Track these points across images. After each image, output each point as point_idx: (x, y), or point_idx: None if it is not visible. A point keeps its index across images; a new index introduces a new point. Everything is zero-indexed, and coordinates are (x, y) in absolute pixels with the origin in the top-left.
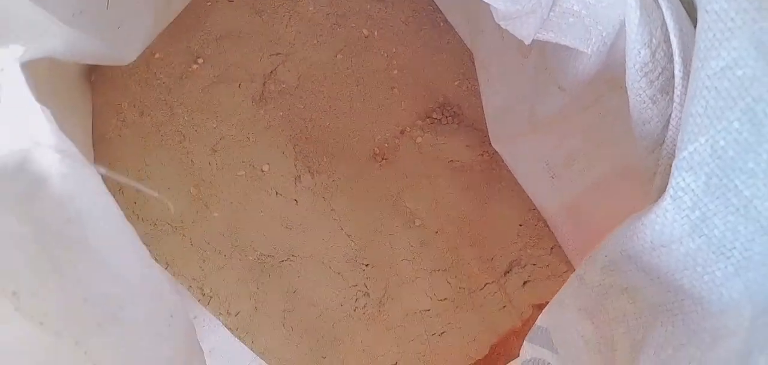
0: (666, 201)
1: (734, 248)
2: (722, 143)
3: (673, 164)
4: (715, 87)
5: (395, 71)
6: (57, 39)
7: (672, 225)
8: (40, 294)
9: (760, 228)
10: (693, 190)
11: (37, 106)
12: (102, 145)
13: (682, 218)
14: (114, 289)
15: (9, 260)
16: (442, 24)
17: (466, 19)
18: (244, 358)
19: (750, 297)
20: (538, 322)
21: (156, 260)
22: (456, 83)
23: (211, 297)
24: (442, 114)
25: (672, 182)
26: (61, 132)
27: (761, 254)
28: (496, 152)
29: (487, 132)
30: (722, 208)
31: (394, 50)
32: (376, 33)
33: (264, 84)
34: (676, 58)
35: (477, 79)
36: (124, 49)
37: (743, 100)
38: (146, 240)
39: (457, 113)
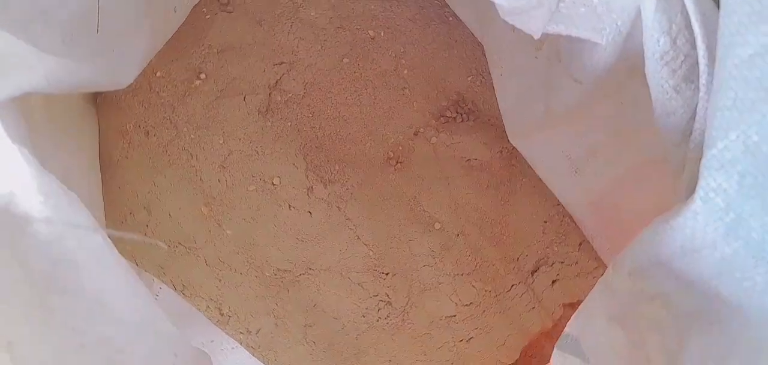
0: (696, 204)
1: None
2: (755, 138)
3: (701, 163)
4: (744, 77)
5: (405, 71)
6: (39, 73)
7: (704, 229)
8: (35, 343)
9: None
10: (725, 190)
11: (15, 148)
12: (109, 169)
13: (715, 221)
14: (112, 332)
15: (2, 309)
16: (450, 19)
17: (474, 13)
18: None
19: None
20: (566, 330)
21: (171, 282)
22: (469, 79)
23: (230, 317)
24: (457, 112)
25: (701, 182)
26: (44, 171)
27: None
28: (515, 148)
29: (504, 128)
30: (759, 209)
31: (402, 50)
32: (382, 33)
33: (269, 95)
34: (699, 44)
35: (490, 74)
36: (119, 73)
37: None
38: (160, 262)
39: (471, 110)
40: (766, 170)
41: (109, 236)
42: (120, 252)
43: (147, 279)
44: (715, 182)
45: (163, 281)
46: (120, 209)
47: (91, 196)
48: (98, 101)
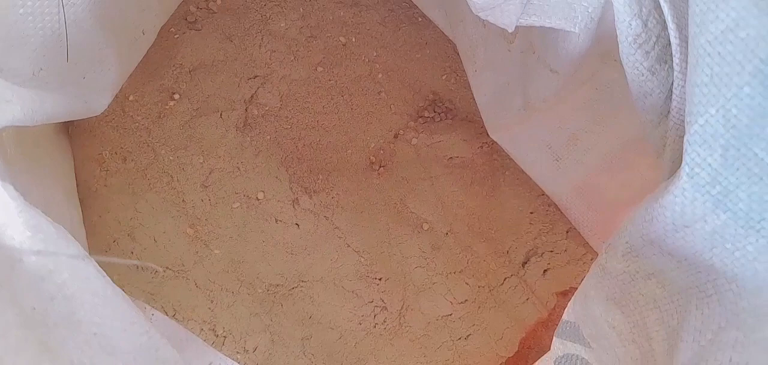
0: (682, 180)
1: (763, 219)
2: (734, 111)
3: (684, 140)
4: (718, 52)
5: (379, 75)
6: (15, 106)
7: (693, 204)
8: None
9: None
10: (709, 164)
11: None
12: (89, 199)
13: (703, 195)
14: (111, 362)
15: None
16: (420, 20)
17: (444, 12)
18: None
19: None
20: (564, 316)
21: (162, 308)
22: (443, 77)
23: (225, 337)
24: (435, 111)
25: (686, 158)
26: (29, 205)
27: None
28: (495, 142)
29: (483, 123)
30: (745, 179)
31: (375, 54)
32: (353, 39)
33: (246, 110)
34: (670, 24)
35: (464, 70)
36: (92, 99)
37: (751, 62)
38: (149, 289)
39: (449, 108)
40: (748, 141)
41: (99, 264)
42: (114, 263)
43: (139, 306)
44: (699, 157)
45: (153, 307)
46: (103, 238)
47: (72, 228)
48: (70, 130)
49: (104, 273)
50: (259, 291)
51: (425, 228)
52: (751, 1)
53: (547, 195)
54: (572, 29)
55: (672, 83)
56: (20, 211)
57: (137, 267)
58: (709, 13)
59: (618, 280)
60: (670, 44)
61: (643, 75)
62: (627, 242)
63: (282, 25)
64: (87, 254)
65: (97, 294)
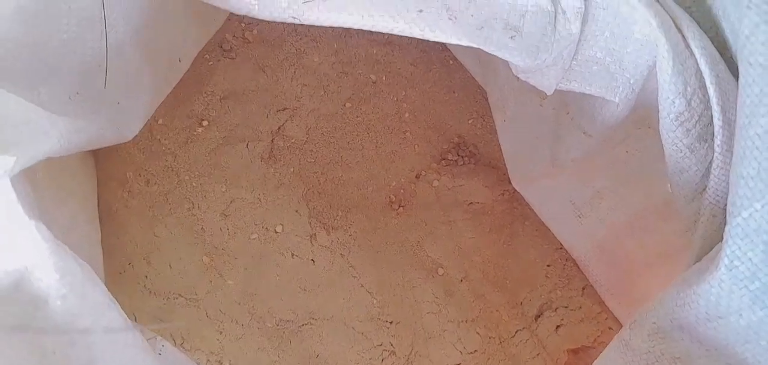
0: (721, 271)
1: None
2: None
3: (725, 231)
4: None
5: (406, 115)
6: (52, 137)
7: (729, 297)
8: None
9: None
10: (750, 259)
11: (31, 223)
12: (108, 218)
13: (741, 289)
14: None
15: None
16: (451, 63)
17: (477, 58)
18: None
19: None
20: None
21: (171, 336)
22: (470, 122)
23: None
24: (458, 155)
25: (726, 250)
26: (59, 245)
27: None
28: (516, 190)
29: (506, 170)
30: None
31: (403, 94)
32: (384, 78)
33: (272, 141)
34: (715, 106)
35: (492, 117)
36: (124, 126)
37: None
38: (160, 315)
39: (473, 153)
40: None
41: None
42: (119, 303)
43: (148, 337)
44: (740, 250)
45: (161, 334)
46: (119, 259)
47: (90, 248)
48: (97, 150)
49: (127, 319)
50: (269, 325)
51: (440, 273)
52: None
53: (565, 249)
54: (612, 99)
55: (710, 162)
56: (51, 252)
57: (150, 295)
58: (761, 107)
59: (641, 359)
60: (711, 123)
61: (681, 152)
62: (654, 323)
63: (315, 59)
64: (112, 300)
65: (117, 340)
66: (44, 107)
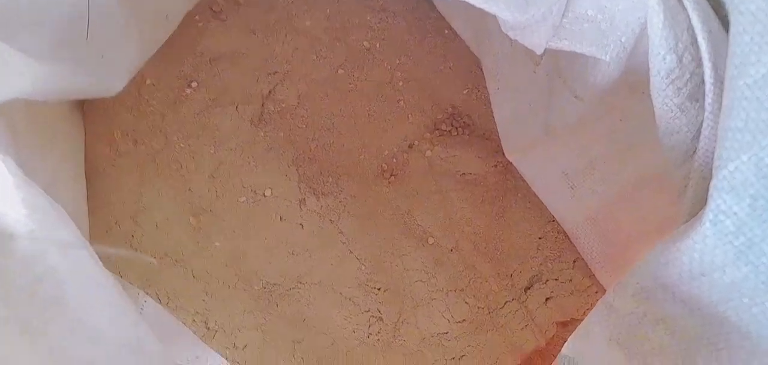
0: (705, 226)
1: None
2: None
3: (711, 185)
4: (757, 97)
5: (400, 83)
6: (26, 78)
7: (713, 252)
8: (15, 362)
9: None
10: (736, 213)
11: None
12: (95, 178)
13: (725, 244)
14: (92, 352)
15: None
16: (446, 32)
17: (471, 26)
18: None
19: None
20: (564, 351)
21: (157, 295)
22: (465, 92)
23: (216, 331)
24: (452, 125)
25: (711, 204)
26: (29, 182)
27: None
28: (510, 162)
29: (500, 142)
30: None
31: (398, 62)
32: (378, 45)
33: (263, 105)
34: (706, 62)
35: (486, 88)
36: (108, 80)
37: None
38: (146, 275)
39: (467, 124)
40: None
41: (97, 250)
42: (105, 263)
43: (132, 292)
44: (725, 204)
45: (148, 293)
46: (105, 219)
47: (75, 205)
48: (85, 107)
49: (98, 260)
50: (256, 288)
51: (430, 242)
52: None
53: (557, 222)
54: (603, 57)
55: (701, 123)
56: (19, 186)
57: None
58: (751, 56)
59: (624, 321)
60: (703, 83)
61: (672, 112)
62: (638, 283)
63: (307, 23)
64: (82, 240)
65: (88, 280)
66: (25, 53)
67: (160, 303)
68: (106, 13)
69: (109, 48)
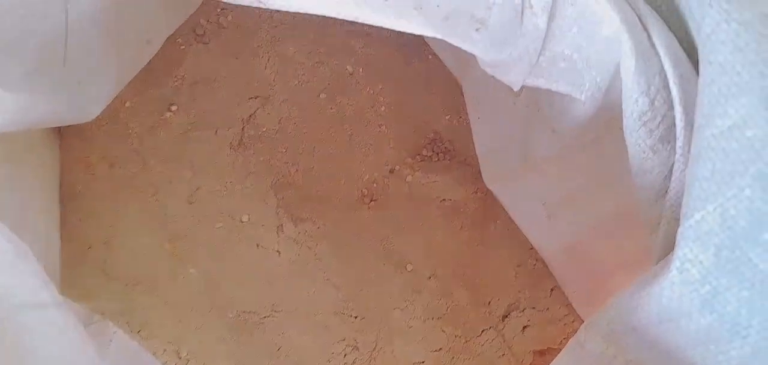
0: (672, 273)
1: (751, 326)
2: (733, 211)
3: (678, 232)
4: (723, 148)
5: (382, 108)
6: (3, 115)
7: (680, 300)
8: None
9: None
10: (701, 262)
11: None
12: (70, 200)
13: (691, 292)
14: None
15: None
16: (430, 58)
17: (454, 54)
18: None
19: None
20: None
21: (127, 324)
22: (447, 118)
23: (188, 360)
24: (433, 151)
25: (678, 252)
26: None
27: None
28: (490, 189)
29: (480, 169)
30: (735, 283)
31: (380, 87)
32: (361, 70)
33: (242, 129)
34: (677, 107)
35: (468, 115)
36: (85, 107)
37: (755, 164)
38: (118, 302)
39: (448, 150)
40: (744, 245)
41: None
42: (77, 287)
43: (101, 325)
44: (691, 253)
45: (119, 322)
46: (78, 243)
47: (47, 231)
48: (61, 130)
49: (63, 305)
50: (230, 316)
51: (409, 269)
52: (761, 101)
53: (535, 250)
54: (578, 96)
55: (673, 164)
56: None
57: (109, 280)
58: (718, 107)
59: (595, 361)
60: (675, 125)
61: (644, 152)
62: (608, 325)
63: (291, 48)
64: (49, 285)
65: (53, 323)
66: None
67: (132, 332)
68: (84, 39)
69: (87, 74)
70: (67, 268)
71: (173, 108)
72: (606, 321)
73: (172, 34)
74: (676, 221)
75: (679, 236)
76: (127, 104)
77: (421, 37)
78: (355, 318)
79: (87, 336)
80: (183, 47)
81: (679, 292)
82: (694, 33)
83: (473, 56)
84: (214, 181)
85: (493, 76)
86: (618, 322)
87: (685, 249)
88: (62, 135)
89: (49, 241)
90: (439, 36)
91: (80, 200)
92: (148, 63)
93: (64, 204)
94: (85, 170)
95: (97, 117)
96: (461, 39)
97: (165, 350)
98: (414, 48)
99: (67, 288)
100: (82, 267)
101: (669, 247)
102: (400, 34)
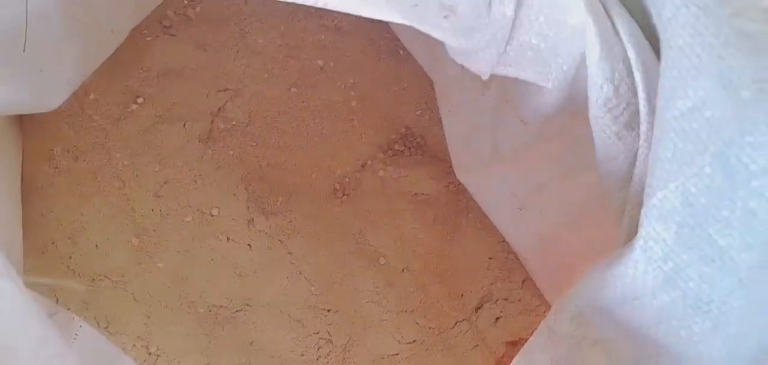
0: (636, 252)
1: (712, 301)
2: (693, 190)
3: (641, 212)
4: (683, 129)
5: (353, 103)
6: None
7: (643, 278)
8: None
9: (737, 281)
10: (664, 240)
11: None
12: (33, 195)
13: (654, 270)
14: None
15: None
16: (401, 53)
17: (425, 48)
18: None
19: (730, 354)
20: None
21: (95, 319)
22: (418, 113)
23: (158, 357)
24: (405, 145)
25: (641, 231)
26: None
27: (740, 309)
28: (462, 183)
29: (451, 163)
30: (696, 259)
31: (351, 81)
32: (331, 64)
33: (212, 122)
34: (641, 93)
35: (439, 109)
36: (47, 95)
37: (714, 144)
38: (84, 297)
39: (420, 144)
40: (704, 222)
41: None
42: (40, 283)
43: (66, 318)
44: (654, 231)
45: (85, 317)
46: (41, 238)
47: (9, 224)
48: (23, 121)
49: (25, 293)
50: (201, 310)
51: (381, 263)
52: (719, 83)
53: (507, 242)
54: (545, 84)
55: (637, 150)
56: None
57: (74, 276)
58: (678, 89)
59: (564, 343)
60: (638, 112)
61: (609, 139)
62: (576, 306)
63: (260, 41)
64: (7, 269)
65: (12, 314)
66: None
67: (99, 327)
68: (46, 26)
69: (49, 63)
70: (30, 263)
71: (139, 100)
72: (573, 303)
73: (138, 26)
74: (640, 207)
75: (642, 216)
76: (92, 96)
77: (391, 32)
78: (329, 311)
79: (51, 325)
80: (149, 39)
81: (643, 270)
82: (655, 18)
83: (444, 50)
84: (182, 174)
85: (462, 67)
86: (585, 303)
87: (648, 228)
88: (24, 126)
89: (10, 235)
90: (407, 23)
91: (43, 194)
92: (114, 54)
93: (26, 198)
94: (48, 163)
95: (61, 109)
96: (430, 26)
97: (134, 345)
98: (385, 43)
99: (30, 284)
100: (45, 263)
101: (634, 232)
102: (371, 29)
